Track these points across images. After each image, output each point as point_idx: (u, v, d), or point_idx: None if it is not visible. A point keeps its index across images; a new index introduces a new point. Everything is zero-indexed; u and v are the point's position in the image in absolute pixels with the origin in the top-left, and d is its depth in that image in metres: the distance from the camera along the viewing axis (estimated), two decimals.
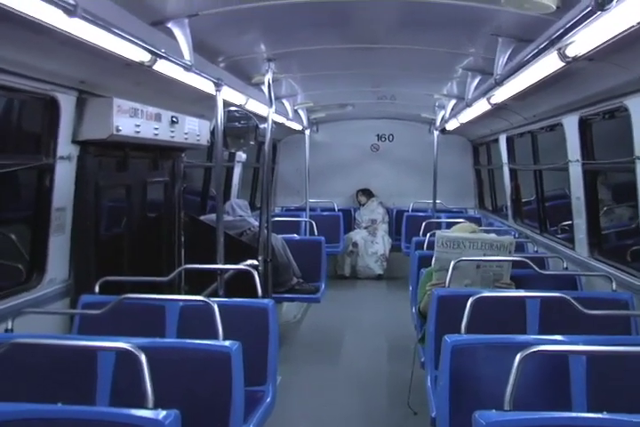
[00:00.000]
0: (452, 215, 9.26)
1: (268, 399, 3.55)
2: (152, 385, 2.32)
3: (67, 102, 3.69)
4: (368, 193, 10.88)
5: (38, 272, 3.73)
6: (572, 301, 3.29)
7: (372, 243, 10.49)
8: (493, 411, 2.20)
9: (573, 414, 2.35)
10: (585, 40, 3.03)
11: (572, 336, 2.96)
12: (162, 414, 2.17)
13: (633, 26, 2.51)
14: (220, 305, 3.32)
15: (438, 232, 4.81)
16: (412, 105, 8.65)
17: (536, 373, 2.81)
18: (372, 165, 10.86)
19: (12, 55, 2.99)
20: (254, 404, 3.43)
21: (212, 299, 3.47)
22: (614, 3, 2.06)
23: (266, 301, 3.77)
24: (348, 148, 10.81)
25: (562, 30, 2.77)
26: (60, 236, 3.82)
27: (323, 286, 6.98)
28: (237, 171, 8.16)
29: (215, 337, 3.15)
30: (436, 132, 8.76)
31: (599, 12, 2.19)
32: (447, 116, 7.63)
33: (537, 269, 4.24)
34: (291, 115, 7.82)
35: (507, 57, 4.02)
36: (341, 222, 9.97)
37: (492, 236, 4.52)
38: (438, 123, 8.40)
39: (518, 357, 2.33)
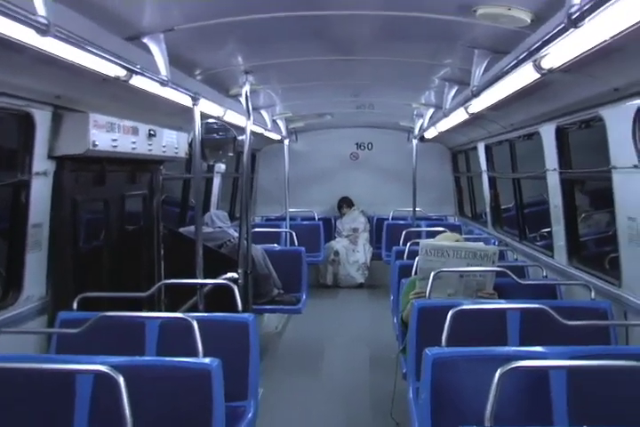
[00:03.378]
0: (432, 223, 9.29)
1: (250, 415, 3.52)
2: (131, 406, 2.29)
3: (42, 118, 3.64)
4: (349, 202, 10.89)
5: (15, 290, 3.67)
6: (552, 311, 3.31)
7: (353, 251, 10.50)
8: None
9: None
10: (560, 53, 3.06)
11: (552, 348, 2.97)
12: None
13: (605, 40, 2.54)
14: (200, 321, 3.29)
15: (422, 240, 4.81)
16: (391, 114, 8.67)
17: (517, 387, 2.81)
18: (351, 173, 10.89)
19: None
20: (236, 420, 3.41)
21: (192, 314, 3.44)
22: (586, 20, 2.08)
23: (246, 315, 3.75)
24: (327, 156, 10.83)
25: (537, 44, 2.79)
26: (37, 252, 3.77)
27: (304, 296, 6.95)
28: (217, 182, 8.13)
29: (195, 354, 3.12)
30: (414, 141, 8.77)
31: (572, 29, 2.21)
32: (425, 124, 7.66)
33: (517, 279, 4.25)
34: (269, 125, 7.80)
35: (483, 68, 4.06)
36: (321, 231, 9.93)
37: (476, 244, 4.52)
38: (417, 131, 8.42)
39: (498, 373, 2.33)
